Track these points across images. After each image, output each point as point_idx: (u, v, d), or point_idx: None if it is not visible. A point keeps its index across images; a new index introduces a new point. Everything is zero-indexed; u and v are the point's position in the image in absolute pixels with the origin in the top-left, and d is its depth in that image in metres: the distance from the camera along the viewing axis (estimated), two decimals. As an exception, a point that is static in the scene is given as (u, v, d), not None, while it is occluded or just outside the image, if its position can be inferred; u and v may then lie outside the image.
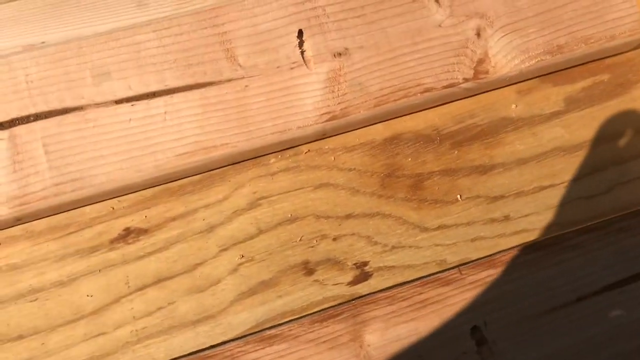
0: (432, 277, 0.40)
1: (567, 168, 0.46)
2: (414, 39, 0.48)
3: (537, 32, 0.49)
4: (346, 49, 0.47)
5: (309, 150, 0.49)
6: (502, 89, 0.50)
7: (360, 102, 0.47)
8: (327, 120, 0.46)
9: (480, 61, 0.48)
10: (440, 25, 0.48)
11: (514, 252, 0.40)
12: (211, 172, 0.48)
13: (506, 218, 0.44)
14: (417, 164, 0.48)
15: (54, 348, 0.42)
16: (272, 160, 0.48)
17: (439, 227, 0.45)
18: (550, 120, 0.49)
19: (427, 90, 0.47)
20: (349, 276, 0.43)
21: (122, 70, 0.46)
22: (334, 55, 0.47)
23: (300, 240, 0.45)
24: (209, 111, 0.46)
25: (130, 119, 0.45)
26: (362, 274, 0.43)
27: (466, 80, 0.47)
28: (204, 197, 0.47)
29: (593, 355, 0.35)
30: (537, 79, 0.50)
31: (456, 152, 0.48)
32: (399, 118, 0.50)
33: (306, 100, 0.47)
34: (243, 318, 0.41)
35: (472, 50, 0.48)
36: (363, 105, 0.47)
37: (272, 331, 0.38)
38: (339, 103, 0.47)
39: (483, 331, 0.37)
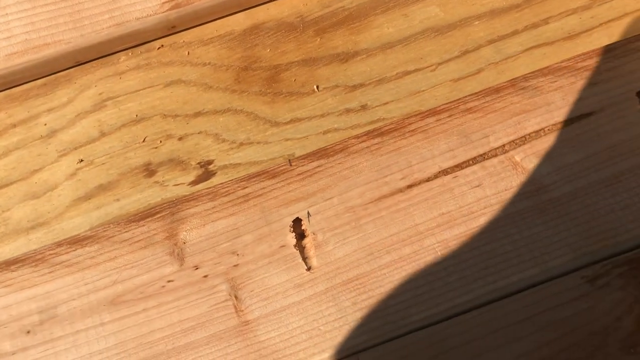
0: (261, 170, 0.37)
1: (436, 50, 0.42)
2: None
3: None
4: None
5: (162, 46, 0.45)
6: (377, -33, 0.45)
7: (206, -13, 0.42)
8: (169, 10, 0.42)
9: None
10: None
11: (351, 141, 0.37)
12: (56, 74, 0.44)
13: (363, 107, 0.40)
14: (276, 55, 0.44)
15: None
16: (122, 58, 0.45)
17: (291, 121, 0.41)
18: (425, -1, 0.44)
19: (280, -31, 0.42)
20: (191, 176, 0.40)
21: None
22: None
23: (143, 141, 0.42)
24: (39, 6, 0.42)
25: (-46, 19, 0.42)
26: (205, 173, 0.40)
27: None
28: (47, 100, 0.44)
29: (419, 243, 0.32)
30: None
31: (319, 39, 0.44)
32: (262, 6, 0.45)
33: (146, -12, 0.42)
34: (77, 223, 0.39)
35: None
36: (209, -10, 0.42)
37: (88, 232, 0.36)
38: (182, -11, 0.42)
39: (305, 223, 0.34)
